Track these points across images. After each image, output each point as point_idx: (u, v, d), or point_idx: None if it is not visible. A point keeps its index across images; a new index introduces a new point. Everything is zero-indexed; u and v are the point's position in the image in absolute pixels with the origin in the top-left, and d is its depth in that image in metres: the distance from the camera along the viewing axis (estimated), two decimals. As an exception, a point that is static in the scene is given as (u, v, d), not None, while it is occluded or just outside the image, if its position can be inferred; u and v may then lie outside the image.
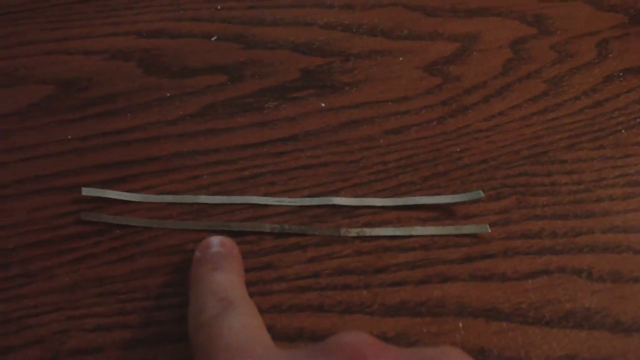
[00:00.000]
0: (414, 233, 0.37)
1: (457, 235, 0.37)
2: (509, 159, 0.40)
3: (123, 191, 0.37)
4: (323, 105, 0.42)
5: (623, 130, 0.43)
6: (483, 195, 0.38)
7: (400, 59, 0.45)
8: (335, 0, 0.49)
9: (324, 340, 0.24)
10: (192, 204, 0.37)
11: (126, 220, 0.36)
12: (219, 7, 0.48)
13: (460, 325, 0.34)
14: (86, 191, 0.37)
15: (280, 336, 0.33)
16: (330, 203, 0.38)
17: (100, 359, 0.32)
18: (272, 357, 0.24)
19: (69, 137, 0.40)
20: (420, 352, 0.24)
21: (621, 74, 0.46)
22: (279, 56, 0.45)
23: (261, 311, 0.33)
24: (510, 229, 0.38)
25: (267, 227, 0.36)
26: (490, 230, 0.37)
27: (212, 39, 0.46)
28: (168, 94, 0.42)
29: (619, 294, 0.36)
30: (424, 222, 0.38)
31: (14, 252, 0.35)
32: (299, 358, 0.24)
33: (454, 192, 0.39)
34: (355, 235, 0.37)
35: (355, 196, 0.38)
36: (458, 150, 0.41)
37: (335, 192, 0.38)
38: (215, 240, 0.33)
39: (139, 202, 0.37)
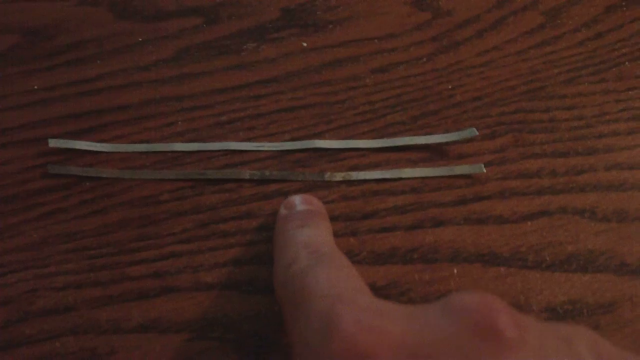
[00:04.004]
0: (403, 175, 0.35)
1: (450, 177, 0.35)
2: (504, 95, 0.38)
3: (93, 142, 0.35)
4: (305, 45, 0.40)
5: (627, 62, 0.40)
6: (477, 133, 0.36)
7: (387, -6, 0.43)
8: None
9: (441, 299, 0.21)
10: (167, 152, 0.35)
11: (96, 172, 0.34)
12: (193, -53, 0.45)
13: (455, 271, 0.33)
14: (53, 142, 0.35)
15: (261, 289, 0.32)
16: (313, 146, 0.36)
17: (71, 318, 0.31)
18: (379, 309, 0.22)
19: (36, 87, 0.38)
20: (555, 327, 0.21)
21: (624, 3, 0.43)
22: (258, -5, 0.42)
23: (241, 263, 0.32)
24: (506, 169, 0.36)
25: (246, 174, 0.34)
26: (485, 170, 0.35)
27: (187, -21, 0.43)
28: (140, 39, 0.40)
29: (625, 234, 0.34)
30: (414, 163, 0.35)
31: (-23, 208, 0.34)
32: (414, 313, 0.21)
33: (446, 132, 0.36)
34: (340, 179, 0.35)
35: (341, 139, 0.36)
36: (450, 87, 0.38)
37: (319, 135, 0.36)
38: (301, 198, 0.32)
39: (110, 153, 0.35)
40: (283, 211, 0.31)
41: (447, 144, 0.36)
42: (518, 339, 0.19)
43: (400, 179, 0.35)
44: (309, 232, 0.29)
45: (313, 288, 0.24)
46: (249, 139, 0.36)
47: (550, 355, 0.19)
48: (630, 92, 0.39)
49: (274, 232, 0.31)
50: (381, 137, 0.36)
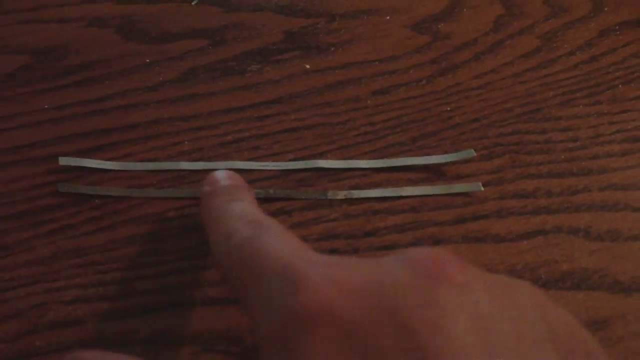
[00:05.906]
0: (403, 194, 0.36)
1: (449, 195, 0.36)
2: (501, 117, 0.39)
3: (102, 160, 0.36)
4: (308, 67, 0.41)
5: (620, 85, 0.41)
6: (475, 154, 0.37)
7: (388, 17, 0.44)
8: (320, -39, 0.47)
9: (392, 253, 0.22)
10: (173, 170, 0.36)
11: (105, 190, 0.35)
12: (199, -29, 0.46)
13: (453, 288, 0.33)
14: (63, 160, 0.36)
15: (266, 304, 0.32)
16: (316, 166, 0.36)
17: (80, 331, 0.31)
18: (337, 262, 0.22)
19: (46, 106, 0.38)
20: (499, 279, 0.22)
21: (617, 27, 0.44)
22: (262, 18, 0.43)
23: (245, 278, 0.32)
24: (504, 189, 0.36)
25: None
26: (483, 189, 0.36)
27: (193, 2, 0.44)
28: (147, 60, 0.41)
29: (618, 253, 0.35)
30: (414, 183, 0.36)
31: (-11, 224, 0.34)
32: (369, 264, 0.22)
33: (444, 153, 0.37)
34: (342, 197, 0.35)
35: (342, 159, 0.37)
36: (448, 109, 0.39)
37: (321, 155, 0.37)
38: (223, 173, 0.31)
39: (118, 171, 0.36)
40: (207, 188, 0.31)
41: (445, 164, 0.37)
42: (465, 283, 0.20)
43: (401, 197, 0.36)
44: (240, 205, 0.28)
45: (264, 252, 0.24)
46: (253, 159, 0.37)
47: (496, 297, 0.20)
48: (623, 115, 0.40)
49: (202, 210, 0.30)
50: (382, 157, 0.37)
